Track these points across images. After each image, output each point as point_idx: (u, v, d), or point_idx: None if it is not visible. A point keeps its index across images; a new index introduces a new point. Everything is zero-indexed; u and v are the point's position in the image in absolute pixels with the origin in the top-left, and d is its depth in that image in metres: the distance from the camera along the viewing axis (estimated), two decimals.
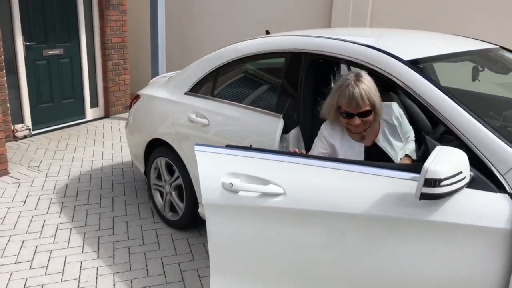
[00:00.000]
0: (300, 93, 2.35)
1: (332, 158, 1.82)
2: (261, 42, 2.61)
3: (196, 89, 3.01)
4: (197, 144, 1.83)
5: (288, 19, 5.96)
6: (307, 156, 1.83)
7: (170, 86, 3.26)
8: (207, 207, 1.79)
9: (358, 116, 1.94)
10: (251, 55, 2.64)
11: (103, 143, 5.31)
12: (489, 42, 2.56)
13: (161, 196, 3.45)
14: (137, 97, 3.61)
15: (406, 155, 2.07)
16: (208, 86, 2.95)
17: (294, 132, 2.36)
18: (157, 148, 3.33)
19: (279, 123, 2.36)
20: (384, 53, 2.02)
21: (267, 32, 3.42)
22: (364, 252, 1.64)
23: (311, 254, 1.73)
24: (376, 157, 2.04)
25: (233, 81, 2.84)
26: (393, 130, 2.10)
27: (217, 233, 1.81)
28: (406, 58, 1.99)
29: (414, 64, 1.97)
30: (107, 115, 6.41)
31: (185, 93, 3.06)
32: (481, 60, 2.38)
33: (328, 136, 2.08)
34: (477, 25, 4.81)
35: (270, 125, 2.41)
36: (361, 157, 2.04)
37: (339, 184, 1.68)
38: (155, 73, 5.84)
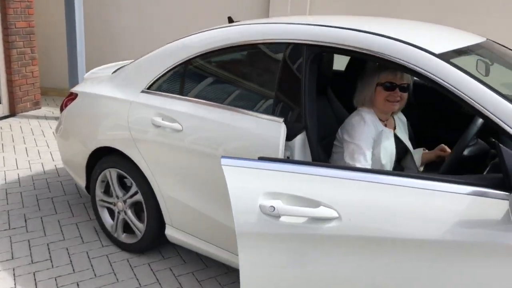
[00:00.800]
0: (305, 93, 1.98)
1: (397, 172, 1.51)
2: (253, 30, 2.18)
3: (157, 87, 2.49)
4: (223, 157, 1.51)
5: (223, 6, 5.51)
6: (364, 170, 1.51)
7: (119, 82, 2.68)
8: (241, 236, 1.49)
9: (399, 89, 2.07)
10: (236, 45, 2.20)
11: (14, 148, 4.45)
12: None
13: (110, 215, 2.87)
14: (71, 95, 2.96)
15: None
16: (174, 83, 2.44)
17: (300, 139, 1.98)
18: (105, 157, 2.74)
19: (281, 128, 1.97)
20: (415, 47, 1.74)
21: (230, 19, 2.98)
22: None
23: None
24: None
25: (212, 78, 2.37)
26: (402, 124, 2.34)
27: (254, 269, 1.51)
28: (436, 52, 1.74)
29: (443, 57, 1.72)
30: (13, 113, 5.45)
31: (143, 91, 2.52)
32: (489, 54, 2.21)
33: (370, 121, 2.09)
34: (409, 7, 4.85)
35: (267, 131, 2.01)
36: (393, 143, 2.14)
37: (408, 203, 1.38)
38: (72, 64, 5.04)
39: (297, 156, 1.98)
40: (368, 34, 1.83)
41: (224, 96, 2.27)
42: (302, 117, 1.98)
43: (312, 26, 2.00)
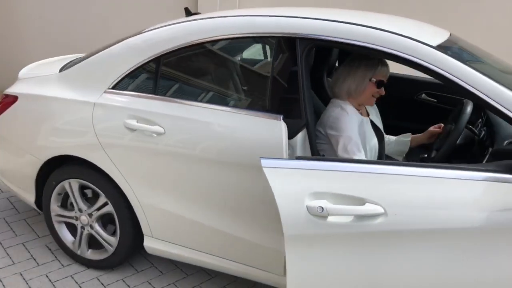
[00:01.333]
0: (303, 87, 1.91)
1: (438, 164, 1.52)
2: (237, 23, 2.04)
3: (124, 86, 2.24)
4: (263, 158, 1.50)
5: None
6: (403, 164, 1.52)
7: (74, 81, 2.37)
8: (289, 239, 1.47)
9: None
10: (218, 38, 2.05)
11: None
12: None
13: (71, 231, 2.56)
14: (7, 98, 2.56)
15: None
16: (146, 81, 2.22)
17: (301, 136, 1.92)
18: (62, 167, 2.43)
19: (281, 126, 1.88)
20: (414, 40, 1.76)
21: (188, 11, 2.78)
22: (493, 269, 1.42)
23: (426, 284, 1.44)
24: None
25: (193, 75, 2.19)
26: (374, 110, 2.36)
27: (302, 270, 1.52)
28: (434, 44, 1.78)
29: (440, 50, 1.77)
30: None
31: (107, 91, 2.26)
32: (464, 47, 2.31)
33: (352, 112, 2.09)
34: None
35: (264, 129, 1.91)
36: (371, 129, 2.16)
37: (452, 194, 1.43)
38: None
39: (298, 154, 1.92)
40: (374, 30, 1.80)
41: (209, 95, 2.12)
42: (302, 113, 1.91)
43: (308, 20, 1.93)
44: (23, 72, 2.73)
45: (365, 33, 1.81)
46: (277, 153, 1.87)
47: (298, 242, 1.50)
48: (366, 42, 1.81)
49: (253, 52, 2.13)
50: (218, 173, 2.01)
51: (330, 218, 1.46)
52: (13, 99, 2.52)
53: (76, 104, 2.30)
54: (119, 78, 2.24)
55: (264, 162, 1.50)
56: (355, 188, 1.46)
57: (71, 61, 2.69)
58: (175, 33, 2.15)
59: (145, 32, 2.27)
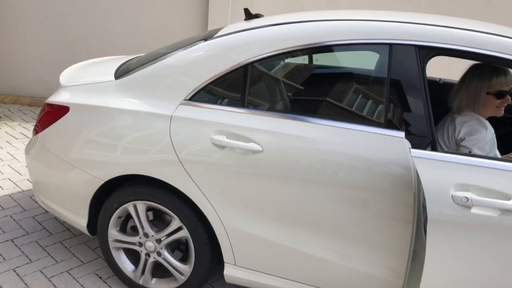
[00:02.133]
0: (427, 100, 1.74)
1: None
2: (346, 28, 1.83)
3: (203, 97, 1.99)
4: (412, 149, 1.58)
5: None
6: None
7: (140, 90, 2.10)
8: (432, 223, 1.55)
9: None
10: (320, 45, 1.84)
11: None
12: None
13: (132, 258, 2.29)
14: (55, 108, 2.26)
15: None
16: (231, 91, 1.98)
17: None
18: (123, 187, 2.15)
19: (405, 144, 1.70)
20: None
21: (248, 12, 2.55)
22: None
23: None
24: None
25: (290, 85, 1.97)
26: None
27: (441, 256, 1.58)
28: None
29: None
30: None
31: (184, 103, 2.01)
32: None
33: (487, 124, 2.00)
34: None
35: (381, 147, 1.73)
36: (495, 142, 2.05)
37: None
38: None
39: (420, 173, 1.74)
40: (498, 37, 1.66)
41: (312, 108, 1.90)
42: (427, 129, 1.73)
43: (428, 26, 1.76)
44: (66, 79, 2.43)
45: (496, 42, 1.66)
46: (400, 173, 1.69)
47: (440, 227, 1.55)
48: (497, 51, 1.66)
49: (361, 60, 1.94)
50: (324, 196, 1.80)
51: (474, 209, 1.51)
52: (63, 110, 2.22)
53: (148, 117, 2.03)
54: (198, 88, 2.00)
55: (414, 152, 1.58)
56: (500, 183, 1.51)
57: (123, 66, 2.42)
58: (268, 37, 1.93)
59: (223, 35, 2.04)
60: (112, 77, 2.25)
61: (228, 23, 5.02)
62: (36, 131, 2.34)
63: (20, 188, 3.30)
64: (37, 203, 3.09)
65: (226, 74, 1.96)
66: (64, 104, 2.22)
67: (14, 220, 2.89)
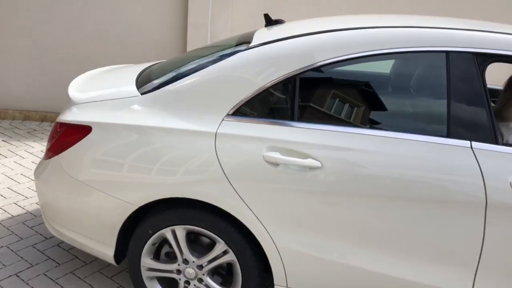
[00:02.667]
0: (490, 110, 1.71)
1: None
2: (398, 35, 1.76)
3: (248, 110, 1.87)
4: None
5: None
6: None
7: (172, 105, 1.94)
8: (491, 207, 1.63)
9: None
10: (374, 53, 1.76)
11: None
12: None
13: (166, 286, 2.11)
14: (73, 128, 2.04)
15: None
16: (278, 104, 1.87)
17: None
18: (159, 212, 1.98)
19: (472, 154, 1.67)
20: None
21: (268, 18, 2.44)
22: None
23: None
24: None
25: (343, 96, 1.87)
26: None
27: (498, 238, 1.67)
28: None
29: None
30: None
31: (227, 118, 1.87)
32: None
33: None
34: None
35: (448, 158, 1.69)
36: None
37: None
38: None
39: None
40: None
41: (369, 119, 1.83)
42: (492, 138, 1.71)
43: (486, 33, 1.73)
44: (78, 94, 2.20)
45: None
46: (471, 184, 1.65)
47: (501, 211, 1.64)
48: None
49: (415, 68, 1.88)
50: (389, 210, 1.73)
51: None
52: (84, 130, 2.01)
53: (189, 135, 1.87)
54: (242, 102, 1.87)
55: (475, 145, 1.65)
56: None
57: (142, 77, 2.24)
58: (321, 45, 1.83)
59: (266, 44, 1.92)
60: (134, 90, 2.07)
61: (208, 25, 4.86)
62: (51, 154, 2.11)
63: (8, 213, 3.00)
64: (34, 230, 2.82)
65: (273, 85, 1.85)
66: (86, 124, 2.01)
67: (12, 251, 2.61)
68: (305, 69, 1.82)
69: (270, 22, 2.42)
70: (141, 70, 2.45)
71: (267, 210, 1.83)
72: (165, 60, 2.75)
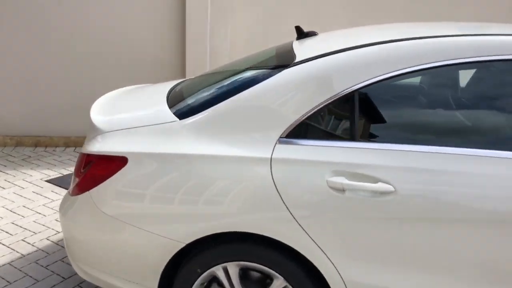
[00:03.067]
0: None
1: None
2: (496, 43, 1.64)
3: (302, 132, 1.71)
4: None
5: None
6: None
7: (217, 130, 1.77)
8: None
9: None
10: (462, 62, 1.63)
11: None
12: None
13: None
14: (104, 160, 1.84)
15: None
16: (338, 123, 1.72)
17: None
18: (209, 248, 1.79)
19: None
20: None
21: (300, 30, 2.31)
22: None
23: None
24: None
25: (414, 111, 1.74)
26: None
27: None
28: None
29: None
30: None
31: (281, 142, 1.71)
32: None
33: None
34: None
35: None
36: None
37: None
38: None
39: None
40: None
41: (451, 136, 1.68)
42: None
43: None
44: (105, 121, 2.01)
45: None
46: None
47: None
48: None
49: (495, 79, 1.75)
50: (479, 236, 1.58)
51: None
52: (119, 161, 1.81)
53: (240, 162, 1.71)
54: (296, 123, 1.71)
55: None
56: None
57: (173, 98, 2.07)
58: (376, 59, 1.70)
59: (315, 58, 1.78)
60: (170, 115, 1.89)
61: (207, 40, 4.69)
62: (80, 189, 1.90)
63: (18, 252, 2.75)
64: (50, 270, 2.58)
65: (330, 103, 1.70)
66: (120, 155, 1.82)
67: None
68: (367, 83, 1.68)
69: (302, 34, 2.29)
70: (168, 89, 2.28)
71: (332, 241, 1.67)
72: (195, 77, 2.59)
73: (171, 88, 2.30)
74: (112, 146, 1.86)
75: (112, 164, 1.83)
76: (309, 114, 1.70)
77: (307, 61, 1.79)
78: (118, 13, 4.59)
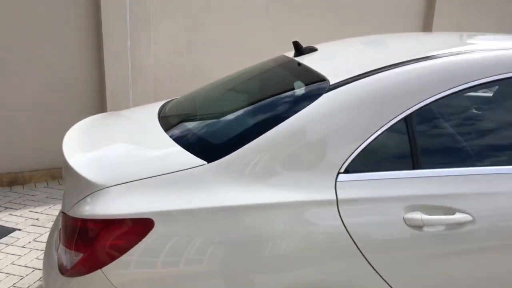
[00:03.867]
0: None
1: None
2: None
3: (362, 165, 1.50)
4: None
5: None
6: None
7: (264, 172, 1.48)
8: None
9: None
10: None
11: None
12: None
13: None
14: (117, 226, 1.43)
15: None
16: (401, 149, 1.55)
17: None
18: None
19: None
20: None
21: (298, 45, 2.10)
22: None
23: None
24: None
25: (492, 127, 1.61)
26: None
27: None
28: None
29: None
30: None
31: (341, 179, 1.48)
32: None
33: None
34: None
35: None
36: None
37: None
38: None
39: None
40: None
41: None
42: None
43: None
44: (97, 172, 1.56)
45: None
46: None
47: None
48: None
49: None
50: None
51: None
52: (142, 226, 1.41)
53: (300, 208, 1.44)
54: (354, 156, 1.51)
55: None
56: None
57: (185, 132, 1.72)
58: (442, 74, 1.56)
59: (358, 78, 1.59)
60: (193, 157, 1.54)
61: (128, 52, 4.19)
62: (87, 267, 1.44)
63: None
64: None
65: (391, 127, 1.52)
66: (142, 216, 1.41)
67: None
68: (426, 102, 1.53)
69: (301, 50, 2.07)
70: (156, 118, 1.89)
71: (414, 283, 1.50)
72: (184, 100, 2.17)
73: (162, 116, 1.92)
74: (127, 206, 1.44)
75: (132, 229, 1.41)
76: (368, 142, 1.51)
77: (352, 81, 1.58)
78: (18, 29, 3.86)
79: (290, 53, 2.31)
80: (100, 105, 4.31)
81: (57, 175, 4.16)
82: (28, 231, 3.15)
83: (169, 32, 4.48)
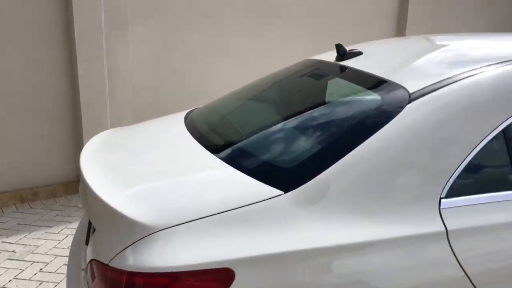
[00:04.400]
0: None
1: None
2: None
3: (464, 186, 1.30)
4: None
5: None
6: None
7: (344, 201, 1.23)
8: None
9: None
10: None
11: None
12: None
13: None
14: (185, 281, 1.12)
15: None
16: (504, 165, 1.35)
17: None
18: None
19: None
20: None
21: (342, 49, 1.87)
22: None
23: None
24: None
25: None
26: None
27: None
28: None
29: None
30: None
31: (445, 206, 1.26)
32: None
33: None
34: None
35: None
36: None
37: None
38: None
39: None
40: None
41: None
42: None
43: None
44: (145, 212, 1.23)
45: None
46: None
47: None
48: None
49: None
50: None
51: None
52: (216, 279, 1.12)
53: (404, 245, 1.21)
54: (456, 175, 1.29)
55: None
56: None
57: (238, 151, 1.46)
58: None
59: (445, 85, 1.38)
60: (260, 185, 1.26)
61: (104, 58, 3.79)
62: None
63: None
64: None
65: (493, 138, 1.32)
66: (219, 266, 1.12)
67: None
68: None
69: (344, 53, 1.84)
70: (200, 137, 1.59)
71: None
72: (213, 110, 1.85)
73: (196, 132, 1.63)
74: (195, 253, 1.13)
75: (205, 283, 1.11)
76: (470, 159, 1.29)
77: (438, 88, 1.36)
78: None
79: (317, 57, 2.08)
80: (73, 116, 3.87)
81: (27, 196, 3.68)
82: (5, 266, 2.70)
83: (147, 36, 4.12)
